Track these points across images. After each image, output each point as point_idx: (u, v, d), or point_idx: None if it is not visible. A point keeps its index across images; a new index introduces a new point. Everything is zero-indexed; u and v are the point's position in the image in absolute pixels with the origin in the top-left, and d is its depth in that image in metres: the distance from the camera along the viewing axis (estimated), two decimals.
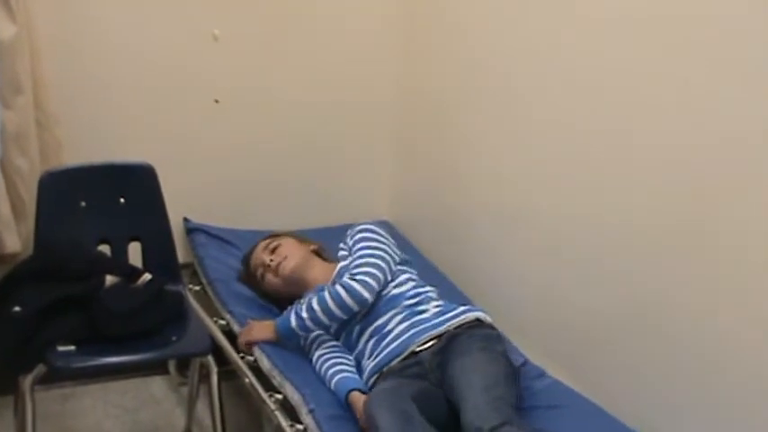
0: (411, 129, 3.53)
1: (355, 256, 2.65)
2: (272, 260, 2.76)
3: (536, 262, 2.83)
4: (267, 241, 2.85)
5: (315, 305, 2.52)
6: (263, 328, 2.67)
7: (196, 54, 3.23)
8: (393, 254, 2.71)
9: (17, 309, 2.39)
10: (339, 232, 2.91)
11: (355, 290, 2.51)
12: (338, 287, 2.52)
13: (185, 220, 3.30)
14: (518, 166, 2.92)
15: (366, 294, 2.52)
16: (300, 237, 2.92)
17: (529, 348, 2.74)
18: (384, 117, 3.57)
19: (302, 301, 2.61)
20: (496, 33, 2.99)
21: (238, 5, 3.25)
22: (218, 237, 3.22)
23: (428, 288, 2.69)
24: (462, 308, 2.55)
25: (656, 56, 2.30)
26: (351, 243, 2.73)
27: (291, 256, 2.76)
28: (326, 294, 2.52)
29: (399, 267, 2.71)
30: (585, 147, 2.60)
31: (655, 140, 2.32)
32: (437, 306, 2.59)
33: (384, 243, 2.71)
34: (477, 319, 2.51)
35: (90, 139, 3.06)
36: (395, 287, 2.64)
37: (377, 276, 2.57)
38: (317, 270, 2.77)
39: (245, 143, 3.38)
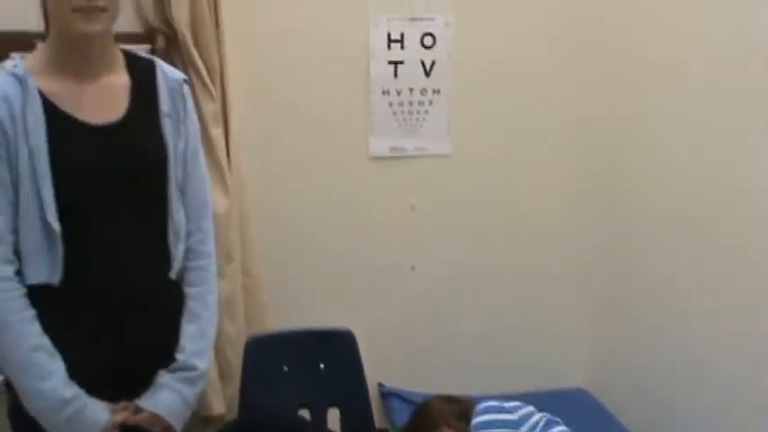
0: (609, 292, 3.51)
1: None
2: None
3: None
4: None
5: None
6: None
7: (395, 222, 3.37)
8: None
9: None
10: (532, 400, 2.84)
11: None
12: None
13: (380, 384, 3.33)
14: (727, 332, 2.79)
15: None
16: (447, 413, 2.78)
17: None
18: (580, 280, 3.58)
19: None
20: (696, 185, 2.94)
21: (435, 175, 3.39)
22: (412, 402, 3.19)
23: None
24: None
25: None
26: None
27: None
28: None
29: None
30: None
31: None
32: None
33: None
34: None
35: (292, 303, 3.20)
36: None
37: None
38: None
39: (440, 309, 3.45)
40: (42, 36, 2.44)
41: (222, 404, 2.94)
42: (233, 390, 2.94)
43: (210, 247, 2.27)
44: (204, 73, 2.87)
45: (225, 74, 2.96)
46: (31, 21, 2.41)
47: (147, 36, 2.88)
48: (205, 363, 2.20)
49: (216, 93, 2.92)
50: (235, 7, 2.98)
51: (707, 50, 2.81)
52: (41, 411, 2.02)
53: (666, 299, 3.12)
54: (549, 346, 3.57)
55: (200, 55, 2.90)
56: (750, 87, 2.63)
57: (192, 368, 2.17)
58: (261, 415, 2.69)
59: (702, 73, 2.85)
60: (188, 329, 2.19)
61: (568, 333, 3.60)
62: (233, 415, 2.91)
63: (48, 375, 2.00)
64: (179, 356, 2.16)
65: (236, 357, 2.93)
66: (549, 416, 2.65)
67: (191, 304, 2.22)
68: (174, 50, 2.88)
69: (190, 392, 2.16)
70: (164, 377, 2.14)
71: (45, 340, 2.01)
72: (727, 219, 2.77)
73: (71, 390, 2.01)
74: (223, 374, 2.97)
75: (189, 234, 2.24)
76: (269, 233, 3.15)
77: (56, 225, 1.99)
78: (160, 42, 2.88)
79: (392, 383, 3.35)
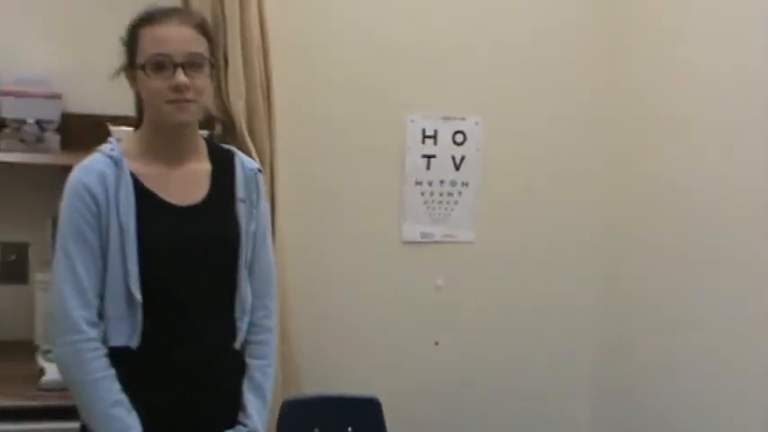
0: (614, 379, 3.51)
1: None
2: None
3: None
4: None
5: None
6: None
7: (422, 301, 3.43)
8: None
9: None
10: None
11: None
12: None
13: None
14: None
15: None
16: None
17: None
18: (588, 361, 3.61)
19: None
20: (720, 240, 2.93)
21: (459, 260, 3.45)
22: None
23: None
24: None
25: None
26: None
27: None
28: None
29: None
30: None
31: None
32: None
33: None
34: None
35: (325, 371, 3.24)
36: None
37: None
38: None
39: (459, 382, 3.47)
40: (116, 119, 2.71)
41: None
42: None
43: (273, 323, 2.32)
44: (255, 157, 2.89)
45: (274, 160, 3.04)
46: (108, 105, 2.76)
47: (207, 123, 2.91)
48: (265, 430, 2.27)
49: (265, 176, 2.96)
50: (286, 101, 3.07)
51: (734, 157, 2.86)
52: None
53: (671, 393, 3.12)
54: (554, 416, 3.59)
55: (253, 141, 2.97)
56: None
57: None
58: None
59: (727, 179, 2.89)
60: (253, 399, 2.24)
61: (575, 401, 3.61)
62: None
63: (126, 429, 2.03)
64: (248, 423, 2.22)
65: (272, 418, 2.85)
66: None
67: (255, 375, 2.26)
68: (230, 136, 2.94)
69: None
70: None
71: (123, 396, 2.05)
72: (741, 320, 2.78)
73: None
74: None
75: (254, 309, 2.27)
76: (306, 306, 3.19)
77: (138, 295, 2.05)
78: (218, 129, 2.96)
79: None
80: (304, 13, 3.21)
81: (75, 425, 2.22)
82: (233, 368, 2.26)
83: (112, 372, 2.05)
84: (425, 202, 3.39)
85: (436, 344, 3.45)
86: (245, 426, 2.22)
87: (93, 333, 2.05)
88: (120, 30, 2.15)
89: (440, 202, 3.41)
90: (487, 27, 3.38)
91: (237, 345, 2.25)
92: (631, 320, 3.40)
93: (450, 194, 3.41)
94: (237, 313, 2.23)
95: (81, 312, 2.04)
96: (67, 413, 2.35)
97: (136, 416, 2.06)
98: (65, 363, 2.08)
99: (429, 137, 3.37)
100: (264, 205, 2.33)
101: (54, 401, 2.58)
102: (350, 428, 2.96)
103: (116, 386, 2.05)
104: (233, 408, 2.25)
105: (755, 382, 2.67)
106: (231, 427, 2.22)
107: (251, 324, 2.27)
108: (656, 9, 3.27)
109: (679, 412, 3.05)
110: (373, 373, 3.33)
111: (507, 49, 3.40)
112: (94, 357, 2.04)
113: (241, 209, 2.23)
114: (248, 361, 2.27)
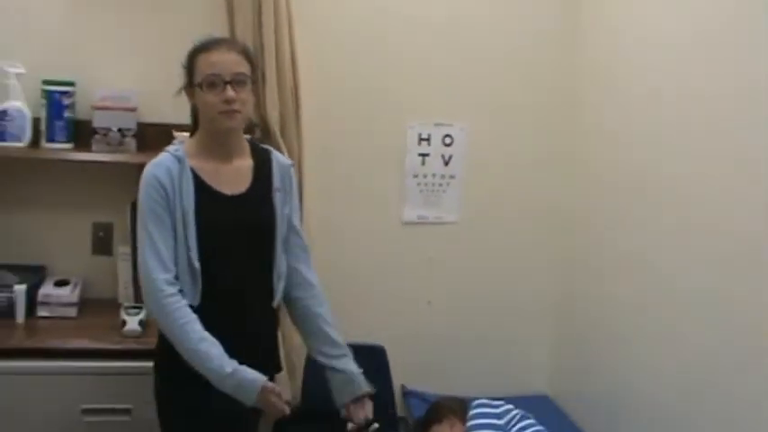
0: (571, 315, 3.52)
1: None
2: None
3: None
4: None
5: None
6: None
7: (418, 270, 3.52)
8: None
9: None
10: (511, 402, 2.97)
11: None
12: None
13: (403, 386, 3.51)
14: (673, 362, 2.68)
15: None
16: (451, 408, 2.86)
17: None
18: (549, 307, 3.65)
19: None
20: (651, 228, 2.85)
21: (447, 237, 3.52)
22: (426, 400, 3.34)
23: None
24: None
25: None
26: None
27: None
28: None
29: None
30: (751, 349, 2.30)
31: None
32: None
33: None
34: None
35: (342, 323, 2.84)
36: None
37: None
38: None
39: (448, 332, 3.57)
40: (178, 126, 2.83)
41: (289, 393, 3.08)
42: (296, 383, 3.14)
43: (316, 280, 2.46)
44: (287, 155, 2.92)
45: (302, 157, 3.14)
46: (172, 116, 2.87)
47: (248, 129, 2.80)
48: None
49: (295, 170, 2.95)
50: (311, 110, 3.16)
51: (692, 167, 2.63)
52: (215, 382, 2.12)
53: (623, 330, 3.01)
54: (519, 358, 3.66)
55: (285, 142, 3.07)
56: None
57: (350, 356, 2.44)
58: (319, 402, 2.71)
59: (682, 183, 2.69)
60: (335, 333, 2.41)
61: (534, 346, 3.66)
62: (297, 401, 3.07)
63: (213, 357, 2.11)
64: (347, 353, 2.39)
65: (299, 359, 3.10)
66: (523, 412, 2.88)
67: (326, 318, 2.41)
68: (266, 138, 3.00)
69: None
70: (354, 366, 2.39)
71: (206, 334, 2.14)
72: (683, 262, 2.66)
73: (232, 365, 2.12)
74: (290, 372, 3.13)
75: (298, 272, 2.38)
76: (327, 273, 2.82)
77: (197, 265, 2.19)
78: (257, 133, 3.02)
79: (412, 386, 3.51)
80: (327, 41, 3.28)
81: (149, 364, 2.39)
82: (271, 321, 2.42)
83: (194, 317, 2.16)
84: (421, 191, 3.46)
85: (429, 303, 3.56)
86: (346, 355, 2.39)
87: (174, 290, 2.16)
88: (181, 58, 2.31)
89: (432, 191, 3.47)
90: (471, 51, 3.42)
91: (275, 304, 2.38)
92: (587, 263, 3.38)
93: (440, 185, 3.47)
94: (275, 278, 2.35)
95: (162, 276, 2.15)
96: (143, 354, 2.56)
97: (219, 345, 2.14)
98: (157, 314, 2.19)
99: (424, 140, 3.43)
100: (296, 192, 2.45)
101: (132, 345, 2.76)
102: (361, 369, 2.71)
103: (198, 326, 2.15)
104: (269, 350, 2.42)
105: (738, 367, 2.39)
106: (269, 364, 2.34)
107: (306, 283, 2.39)
108: (626, 19, 3.09)
109: (658, 392, 2.79)
110: (380, 326, 3.43)
111: (487, 70, 3.45)
112: (177, 308, 2.15)
113: (277, 196, 2.35)
114: (315, 309, 2.40)
